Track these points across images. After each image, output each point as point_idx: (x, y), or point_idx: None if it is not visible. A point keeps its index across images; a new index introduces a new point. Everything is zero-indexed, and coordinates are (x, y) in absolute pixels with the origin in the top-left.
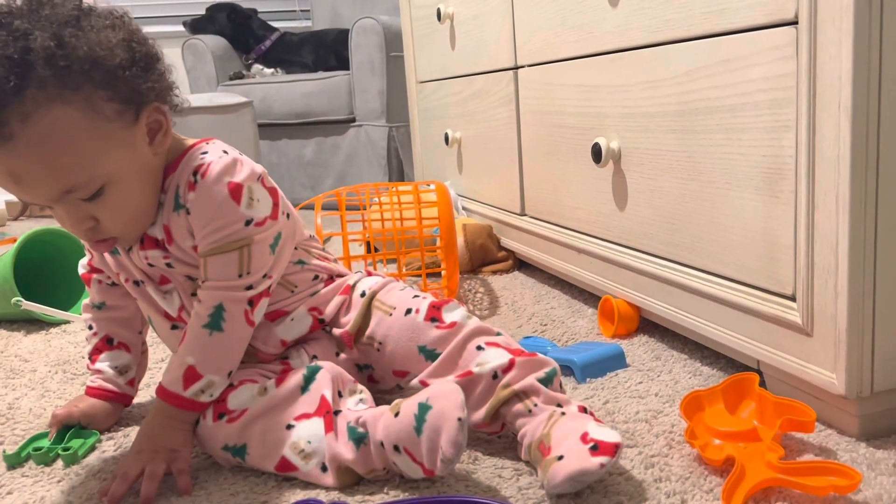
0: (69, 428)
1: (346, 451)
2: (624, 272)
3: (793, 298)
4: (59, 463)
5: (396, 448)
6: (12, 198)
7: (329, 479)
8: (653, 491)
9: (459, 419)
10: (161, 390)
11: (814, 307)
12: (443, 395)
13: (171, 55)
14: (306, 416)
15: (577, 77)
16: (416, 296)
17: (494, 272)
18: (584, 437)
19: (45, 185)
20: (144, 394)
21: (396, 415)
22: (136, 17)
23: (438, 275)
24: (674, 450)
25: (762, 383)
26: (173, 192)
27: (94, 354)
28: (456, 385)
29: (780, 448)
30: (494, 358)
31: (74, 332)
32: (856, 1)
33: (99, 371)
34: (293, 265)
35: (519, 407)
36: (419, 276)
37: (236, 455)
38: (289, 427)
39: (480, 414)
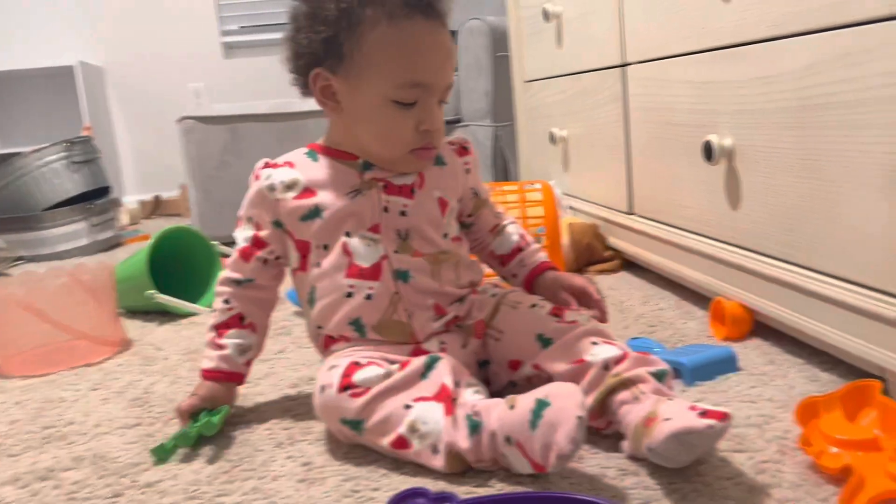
0: (197, 416)
1: (462, 438)
2: (737, 273)
3: None
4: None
5: (508, 440)
6: (146, 197)
7: (439, 461)
8: (763, 497)
9: (579, 417)
10: (545, 265)
11: None
12: (563, 395)
13: None
14: (424, 398)
15: (688, 73)
16: (543, 299)
17: (601, 272)
18: (693, 407)
19: (452, 70)
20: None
21: (512, 408)
22: (256, 25)
23: None
24: (787, 456)
25: (885, 391)
26: None
27: (222, 328)
28: (576, 386)
29: None
30: (608, 351)
31: (202, 323)
32: None
33: (222, 346)
34: None
35: (626, 395)
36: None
37: (353, 429)
38: (407, 407)
39: (587, 403)
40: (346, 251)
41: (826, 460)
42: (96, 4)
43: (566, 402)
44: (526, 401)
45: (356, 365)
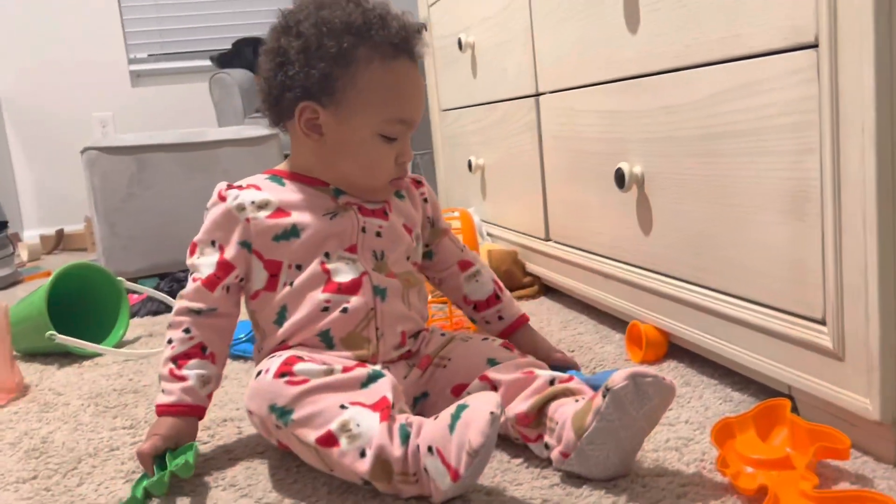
0: (161, 457)
1: (395, 446)
2: (651, 297)
3: (823, 322)
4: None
5: (430, 449)
6: (47, 231)
7: (364, 466)
8: None
9: (492, 413)
10: (525, 318)
11: (844, 331)
12: (480, 397)
13: (200, 89)
14: (361, 404)
15: (599, 103)
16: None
17: (520, 298)
18: None
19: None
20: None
21: (436, 419)
22: (165, 53)
23: None
24: (705, 478)
25: (794, 409)
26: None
27: (182, 359)
28: (497, 394)
29: (815, 476)
30: (555, 373)
31: (107, 364)
32: (876, 22)
33: (183, 378)
34: None
35: (566, 399)
36: (444, 303)
37: (281, 417)
38: (342, 407)
39: (525, 405)
40: (324, 269)
41: (742, 481)
42: None
43: (482, 401)
44: (448, 409)
45: (298, 358)
